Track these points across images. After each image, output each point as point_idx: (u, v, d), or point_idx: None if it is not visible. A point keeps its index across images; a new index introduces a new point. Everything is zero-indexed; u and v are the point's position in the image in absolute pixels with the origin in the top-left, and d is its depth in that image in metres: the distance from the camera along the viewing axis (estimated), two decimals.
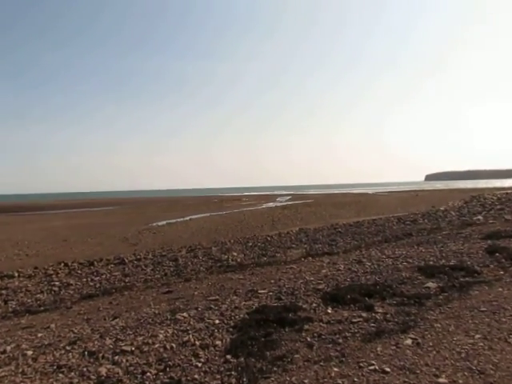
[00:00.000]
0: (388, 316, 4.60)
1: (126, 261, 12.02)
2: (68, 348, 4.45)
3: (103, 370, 3.74)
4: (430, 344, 3.81)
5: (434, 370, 3.35)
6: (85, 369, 3.82)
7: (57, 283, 9.64)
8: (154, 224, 26.63)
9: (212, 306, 5.54)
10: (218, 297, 6.17)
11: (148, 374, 3.63)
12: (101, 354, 4.11)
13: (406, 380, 3.22)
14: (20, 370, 3.95)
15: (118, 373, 3.69)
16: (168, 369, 3.70)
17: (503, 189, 56.37)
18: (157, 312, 5.63)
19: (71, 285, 9.40)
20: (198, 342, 4.24)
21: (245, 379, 3.40)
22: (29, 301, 8.13)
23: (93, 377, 3.65)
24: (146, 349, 4.18)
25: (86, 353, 4.21)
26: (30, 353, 4.41)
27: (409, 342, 3.88)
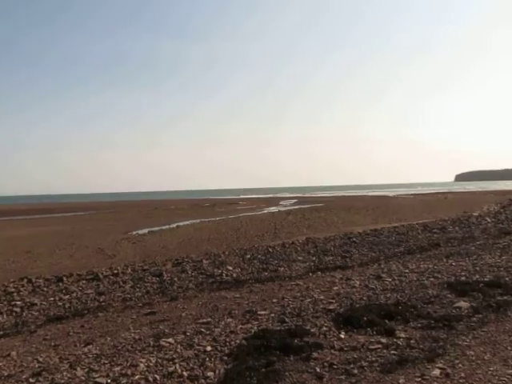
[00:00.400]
0: (412, 342, 4.59)
1: (101, 276, 12.00)
2: (32, 380, 4.43)
3: None
4: (462, 375, 3.80)
5: None
6: None
7: (18, 303, 9.61)
8: (135, 232, 26.59)
9: (203, 330, 5.53)
10: (209, 319, 6.16)
11: None
12: None
13: None
14: None
15: None
16: None
17: None
18: (137, 337, 5.62)
19: (36, 305, 9.37)
20: (185, 373, 4.23)
21: None
22: None
23: None
24: (124, 381, 4.17)
25: None
26: None
27: (437, 372, 3.87)
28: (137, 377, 4.23)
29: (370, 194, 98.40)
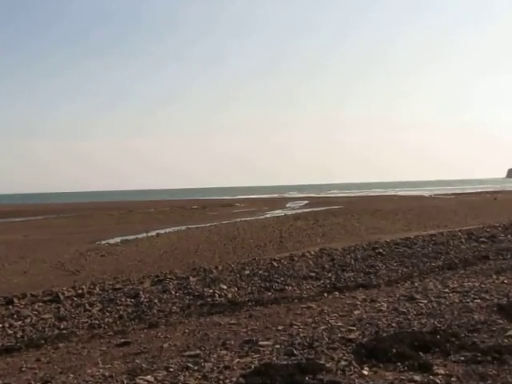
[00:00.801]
0: (453, 380, 4.59)
1: (62, 297, 12.00)
2: None
3: None
4: None
5: None
6: None
7: None
8: (104, 242, 26.59)
9: (190, 365, 5.53)
10: (198, 351, 6.16)
11: None
12: None
13: None
14: None
15: None
16: None
17: None
18: (107, 374, 5.62)
19: None
20: None
21: None
22: None
23: None
24: None
25: None
26: None
27: None
28: None
29: (401, 193, 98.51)
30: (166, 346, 6.76)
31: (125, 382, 5.24)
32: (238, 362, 5.52)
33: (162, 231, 31.05)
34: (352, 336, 6.09)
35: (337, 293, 10.05)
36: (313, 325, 6.96)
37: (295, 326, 6.95)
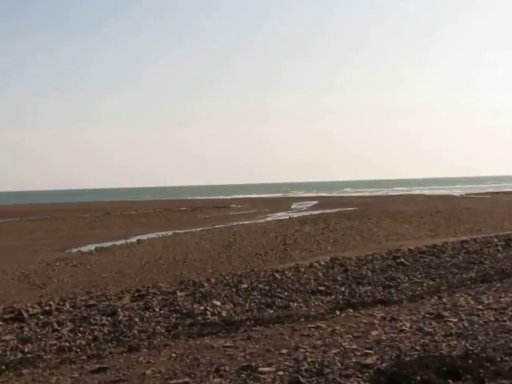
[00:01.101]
0: None
1: (26, 315, 12.01)
2: None
3: None
4: None
5: None
6: None
7: None
8: (75, 250, 26.58)
9: None
10: (187, 379, 6.17)
11: None
12: None
13: None
14: None
15: None
16: None
17: None
18: None
19: None
20: None
21: None
22: None
23: None
24: None
25: None
26: None
27: None
28: None
29: (427, 192, 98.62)
30: (148, 372, 6.76)
31: None
32: None
33: (144, 237, 31.04)
34: (369, 361, 6.09)
35: (351, 310, 10.06)
36: (323, 348, 6.96)
37: (302, 350, 6.95)
